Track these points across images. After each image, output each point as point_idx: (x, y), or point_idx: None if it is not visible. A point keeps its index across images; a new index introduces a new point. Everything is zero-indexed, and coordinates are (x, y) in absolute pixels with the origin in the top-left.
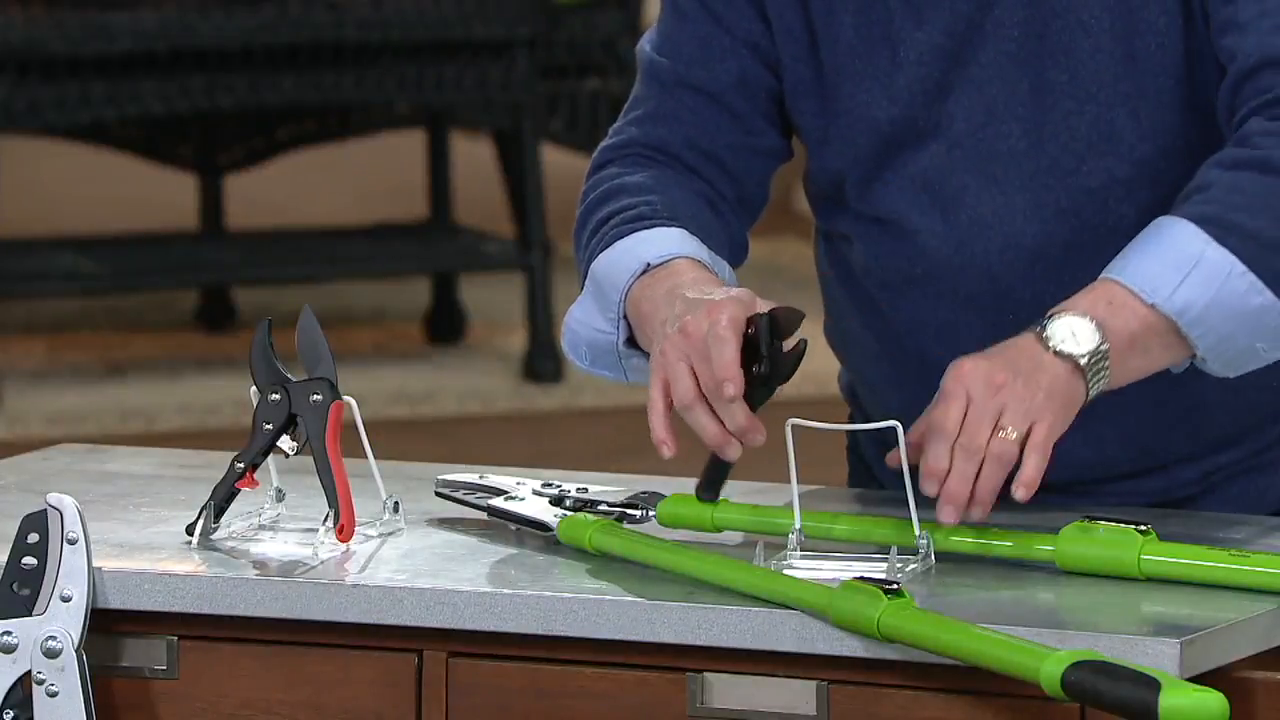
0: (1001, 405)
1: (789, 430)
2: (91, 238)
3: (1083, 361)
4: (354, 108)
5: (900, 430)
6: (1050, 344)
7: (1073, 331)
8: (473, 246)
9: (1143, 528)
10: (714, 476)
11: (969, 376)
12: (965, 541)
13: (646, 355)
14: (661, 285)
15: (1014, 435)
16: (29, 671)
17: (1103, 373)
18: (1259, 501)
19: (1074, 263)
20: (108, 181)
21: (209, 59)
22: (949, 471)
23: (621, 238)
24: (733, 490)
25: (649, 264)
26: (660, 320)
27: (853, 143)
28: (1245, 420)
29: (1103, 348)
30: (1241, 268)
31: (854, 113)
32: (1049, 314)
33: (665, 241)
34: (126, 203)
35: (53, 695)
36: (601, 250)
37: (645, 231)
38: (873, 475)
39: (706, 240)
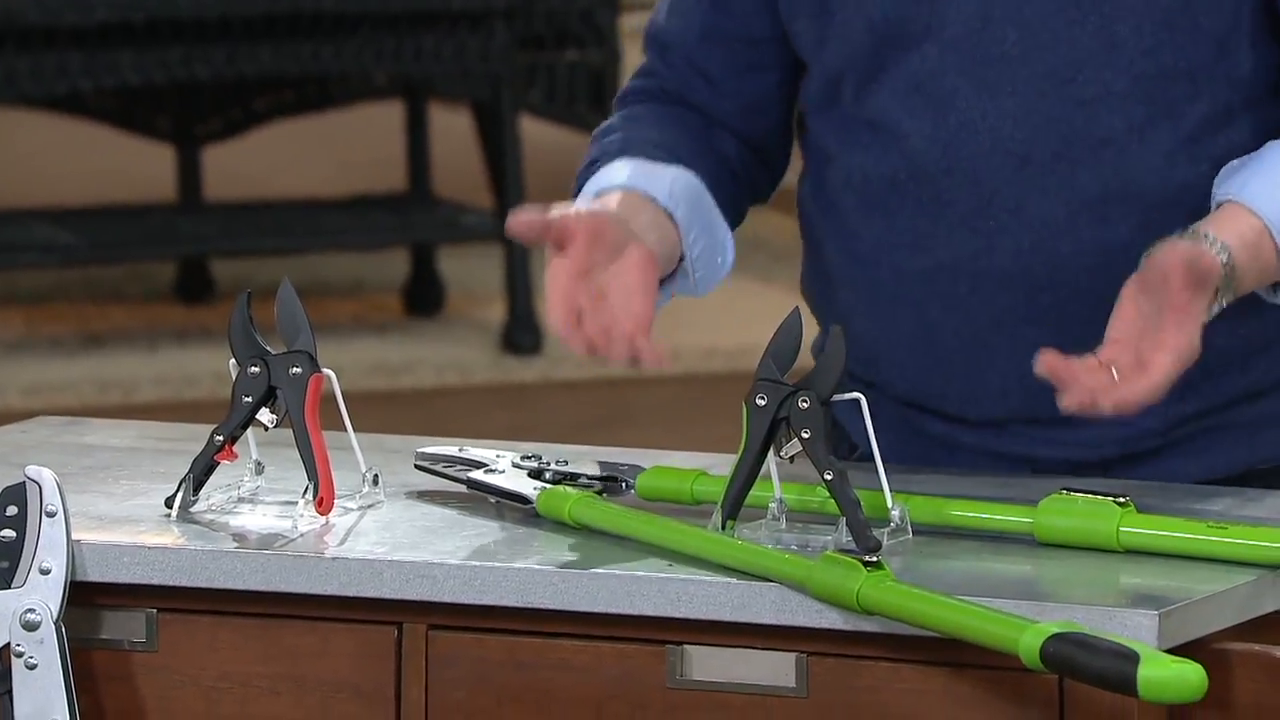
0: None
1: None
2: (68, 209)
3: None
4: (332, 79)
5: (864, 402)
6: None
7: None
8: (451, 218)
9: (1121, 500)
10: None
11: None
12: (943, 514)
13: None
14: None
15: None
16: (8, 644)
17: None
18: (1226, 462)
19: (1059, 170)
20: (85, 153)
21: (186, 30)
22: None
23: (577, 192)
24: (712, 463)
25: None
26: None
27: (849, 41)
28: (1204, 366)
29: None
30: None
31: (849, 8)
32: (1214, 236)
33: (600, 179)
34: (104, 174)
35: (32, 668)
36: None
37: (590, 178)
38: (844, 435)
39: (656, 156)
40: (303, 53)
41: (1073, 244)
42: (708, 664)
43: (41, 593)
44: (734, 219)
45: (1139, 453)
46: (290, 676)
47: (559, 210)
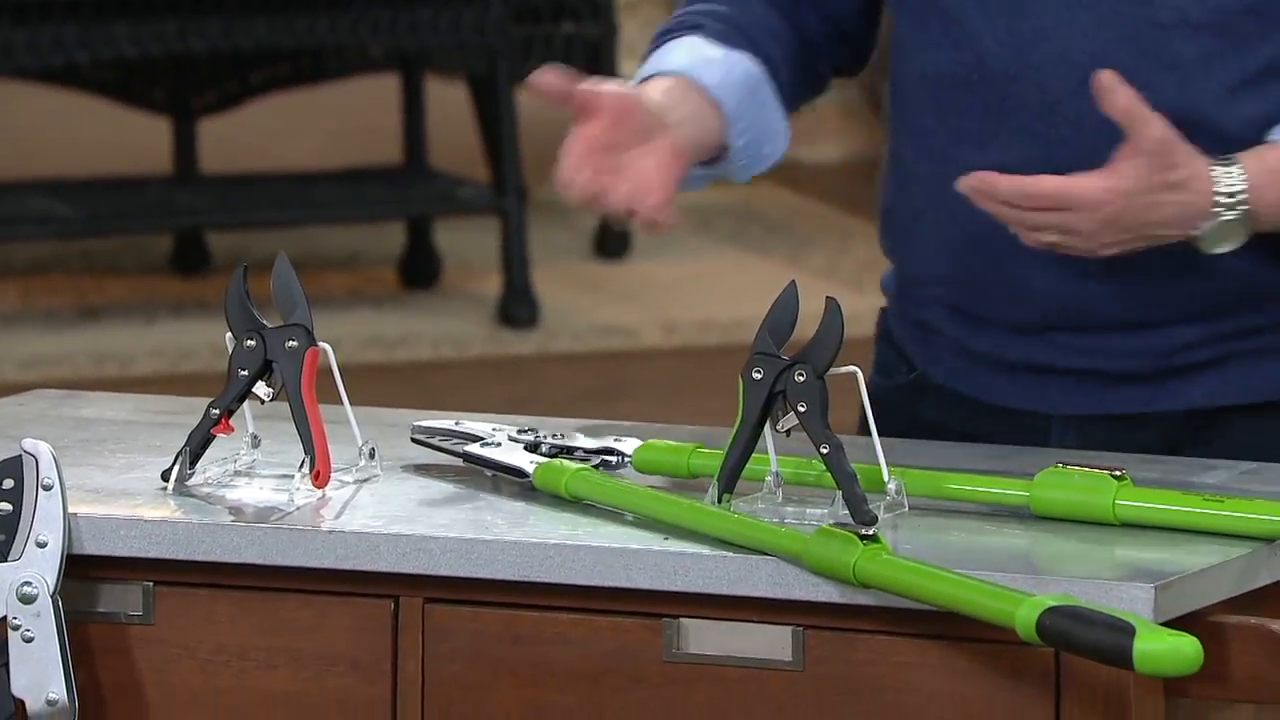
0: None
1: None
2: (65, 181)
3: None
4: (328, 51)
5: (859, 374)
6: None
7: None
8: (447, 191)
9: (1117, 473)
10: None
11: (1120, 196)
12: (939, 487)
13: (704, 164)
14: None
15: (1055, 240)
16: (4, 617)
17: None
18: (1271, 385)
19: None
20: (81, 125)
21: (182, 2)
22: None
23: (645, 59)
24: (708, 436)
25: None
26: None
27: None
28: (1253, 286)
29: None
30: None
31: None
32: (1234, 157)
33: (658, 58)
34: (100, 146)
35: (28, 641)
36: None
37: (656, 50)
38: (904, 358)
39: (728, 35)
40: (298, 25)
41: None
42: (704, 637)
43: (38, 566)
44: (811, 93)
45: (1185, 366)
46: (287, 650)
47: (587, 82)
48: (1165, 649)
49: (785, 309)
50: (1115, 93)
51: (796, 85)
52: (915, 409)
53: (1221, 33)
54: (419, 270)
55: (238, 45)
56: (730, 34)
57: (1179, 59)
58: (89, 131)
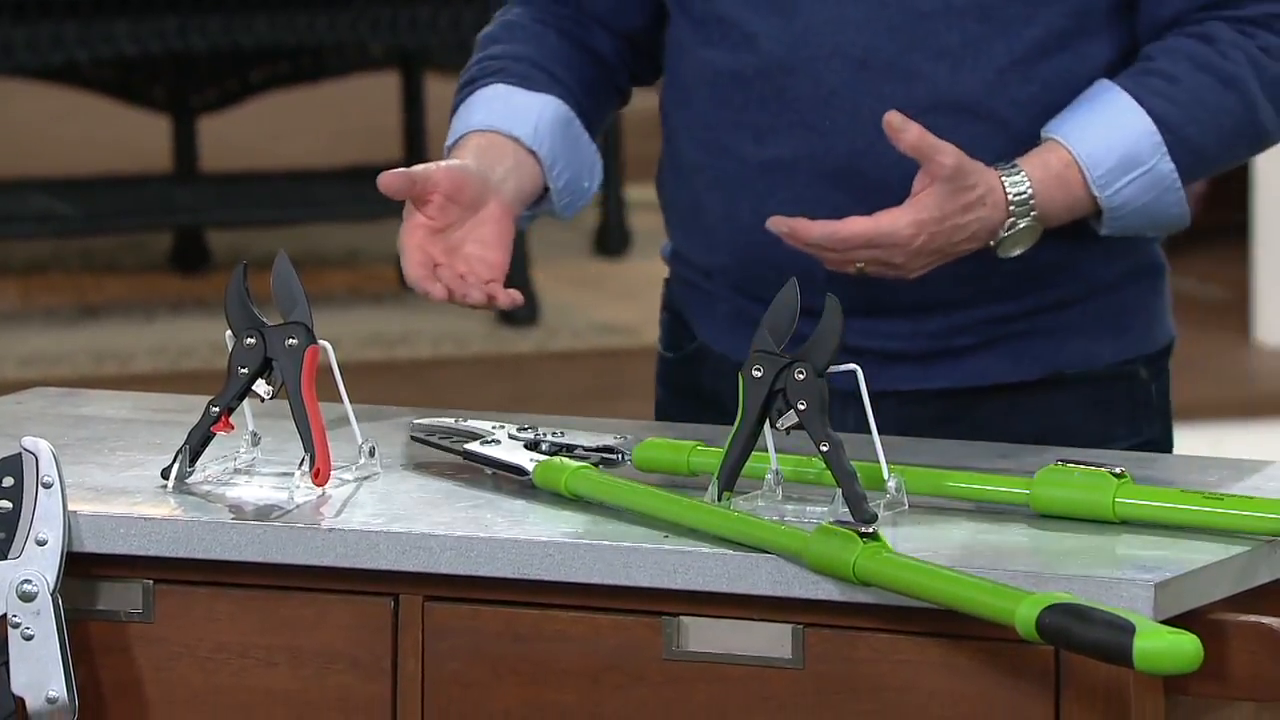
0: (898, 264)
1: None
2: (64, 179)
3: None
4: (328, 49)
5: (860, 374)
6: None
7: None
8: None
9: (1117, 471)
10: None
11: (927, 226)
12: (939, 485)
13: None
14: None
15: (863, 268)
16: (4, 615)
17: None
18: (1036, 365)
19: (895, 78)
20: (80, 123)
21: (182, 0)
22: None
23: (455, 110)
24: (709, 434)
25: (447, 147)
26: None
27: None
28: (1019, 275)
29: (1028, 226)
30: (1178, 184)
31: None
32: (1018, 165)
33: (470, 112)
34: (99, 144)
35: (28, 639)
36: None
37: (465, 101)
38: (686, 328)
39: (530, 76)
40: (298, 23)
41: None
42: (704, 635)
43: (38, 564)
44: (613, 109)
45: (956, 348)
46: (287, 648)
47: (421, 167)
48: (1165, 647)
49: (785, 308)
50: (905, 131)
51: (600, 108)
52: (696, 379)
53: (985, 18)
54: None
55: (238, 43)
56: (533, 75)
57: (947, 46)
58: (88, 130)
